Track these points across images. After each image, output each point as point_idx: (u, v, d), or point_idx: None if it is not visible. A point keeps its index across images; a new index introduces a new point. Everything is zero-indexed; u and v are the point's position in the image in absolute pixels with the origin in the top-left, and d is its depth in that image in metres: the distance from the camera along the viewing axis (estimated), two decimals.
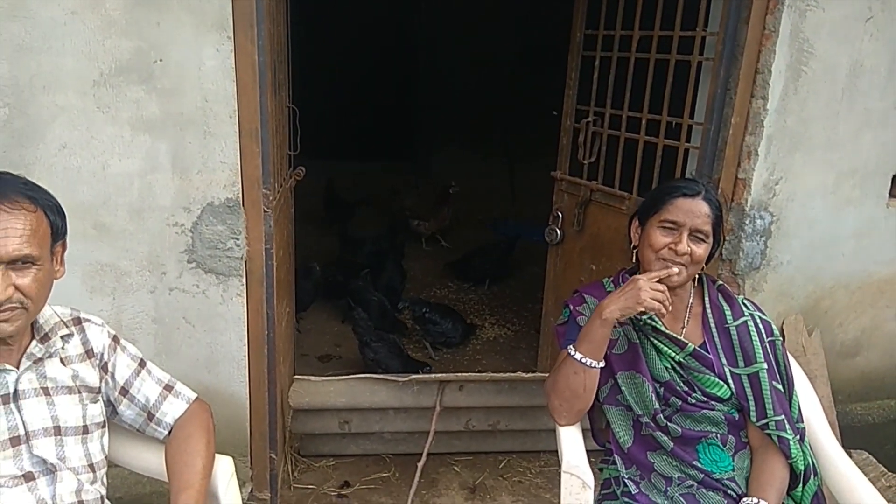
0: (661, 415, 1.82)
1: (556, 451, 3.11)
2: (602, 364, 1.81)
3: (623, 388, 1.86)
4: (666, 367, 1.84)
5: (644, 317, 1.85)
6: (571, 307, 2.00)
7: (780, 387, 1.83)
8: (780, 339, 1.92)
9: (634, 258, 1.95)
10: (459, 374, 2.75)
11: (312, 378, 2.77)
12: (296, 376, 2.77)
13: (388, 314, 4.14)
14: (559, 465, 3.14)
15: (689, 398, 1.82)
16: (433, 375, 2.74)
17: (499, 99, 6.60)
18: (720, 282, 2.02)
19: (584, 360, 1.80)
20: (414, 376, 2.72)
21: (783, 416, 1.78)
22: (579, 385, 1.83)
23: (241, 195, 2.25)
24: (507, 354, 4.09)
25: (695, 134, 2.75)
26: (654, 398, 1.82)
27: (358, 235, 5.24)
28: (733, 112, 2.57)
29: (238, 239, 2.27)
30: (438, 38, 6.59)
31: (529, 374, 2.76)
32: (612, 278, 2.07)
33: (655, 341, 1.86)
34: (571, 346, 1.82)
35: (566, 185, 3.35)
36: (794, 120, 2.56)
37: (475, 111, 6.59)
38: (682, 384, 1.83)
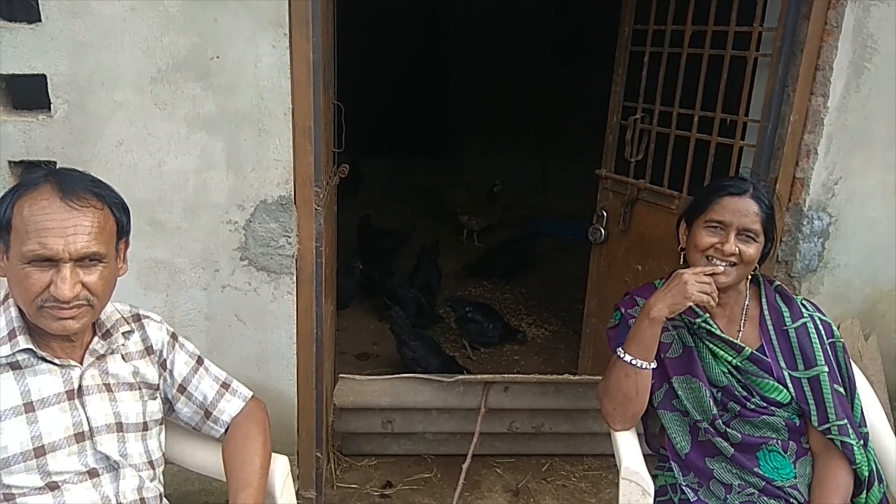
0: (720, 420, 1.77)
1: (600, 455, 3.12)
2: (654, 365, 1.77)
3: (679, 392, 1.81)
4: (723, 372, 1.79)
5: (698, 320, 1.81)
6: (623, 310, 1.96)
7: (841, 390, 1.78)
8: (841, 341, 1.87)
9: (682, 260, 1.90)
10: (506, 376, 2.72)
11: (357, 377, 2.76)
12: (340, 375, 2.76)
13: (426, 311, 4.12)
14: (603, 470, 3.14)
15: (748, 403, 1.78)
16: (478, 377, 2.71)
17: (532, 93, 6.54)
18: (777, 282, 1.97)
19: (634, 362, 1.77)
20: (459, 377, 2.69)
21: (846, 421, 1.73)
22: (631, 388, 1.79)
23: (293, 193, 2.24)
24: (546, 355, 4.05)
25: (750, 131, 2.69)
26: (711, 403, 1.78)
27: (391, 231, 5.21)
28: (792, 109, 2.51)
29: (290, 237, 2.26)
30: (471, 33, 6.54)
31: (576, 377, 2.72)
32: (663, 280, 2.02)
33: (711, 345, 1.81)
34: (621, 349, 1.79)
35: (611, 183, 3.30)
36: (856, 118, 2.49)
37: (508, 106, 6.54)
38: (740, 389, 1.79)
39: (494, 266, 5.10)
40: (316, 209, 2.32)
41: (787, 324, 1.84)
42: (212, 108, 2.11)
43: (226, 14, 2.03)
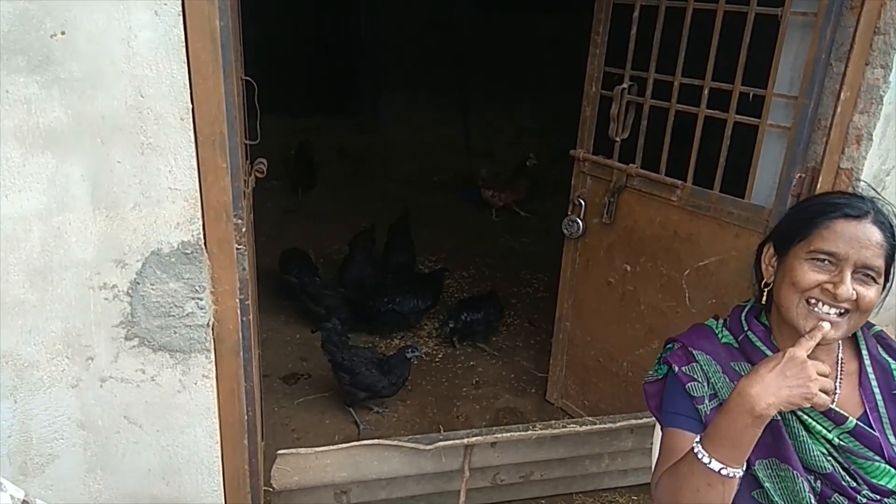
0: None
1: (592, 492, 2.65)
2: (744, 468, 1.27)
3: (766, 482, 1.33)
4: (822, 454, 1.32)
5: None
6: (676, 368, 1.42)
7: None
8: None
9: (764, 298, 1.42)
10: (496, 435, 2.12)
11: (302, 450, 2.08)
12: (280, 451, 2.07)
13: (364, 313, 3.47)
14: None
15: (859, 497, 1.31)
16: (462, 441, 2.10)
17: (453, 43, 5.80)
18: (877, 327, 1.48)
19: (725, 472, 1.25)
20: (439, 443, 2.08)
21: None
22: (716, 499, 1.28)
23: (202, 234, 1.49)
24: (505, 356, 3.52)
25: (775, 110, 2.16)
26: (811, 498, 1.30)
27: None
28: (843, 85, 1.97)
29: (201, 298, 1.52)
30: None
31: (582, 429, 2.17)
32: (722, 322, 1.50)
33: (803, 415, 1.32)
34: (702, 449, 1.27)
35: (590, 166, 2.72)
36: None
37: (427, 57, 5.77)
38: (847, 476, 1.32)
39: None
40: (238, 250, 1.58)
41: None
42: (59, 114, 1.31)
43: None
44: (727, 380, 1.37)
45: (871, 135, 2.01)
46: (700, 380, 1.38)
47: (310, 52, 5.71)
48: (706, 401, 1.36)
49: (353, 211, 4.94)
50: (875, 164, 2.06)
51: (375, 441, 2.12)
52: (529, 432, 2.12)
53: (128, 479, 1.59)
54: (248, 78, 1.98)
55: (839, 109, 2.01)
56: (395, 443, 2.11)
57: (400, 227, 4.10)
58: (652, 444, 2.35)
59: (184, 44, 1.34)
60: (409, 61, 5.76)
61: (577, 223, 2.78)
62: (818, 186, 2.08)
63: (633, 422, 2.20)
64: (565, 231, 2.82)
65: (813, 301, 1.30)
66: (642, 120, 2.51)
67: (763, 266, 1.43)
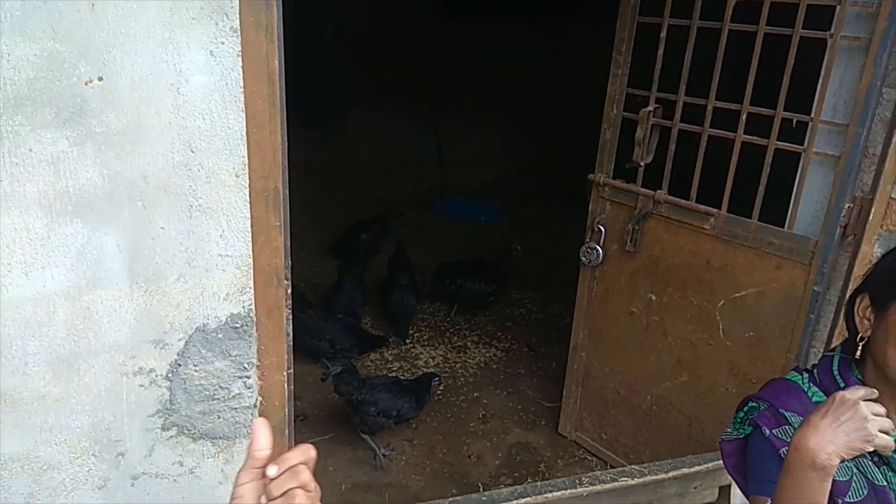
0: None
1: None
2: None
3: None
4: None
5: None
6: (768, 431, 1.30)
7: None
8: None
9: (858, 352, 1.29)
10: (538, 494, 1.96)
11: None
12: None
13: (367, 337, 3.35)
14: None
15: None
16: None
17: (421, 53, 5.61)
18: None
19: None
20: None
21: None
22: None
23: (252, 304, 1.28)
24: (508, 385, 3.36)
25: (820, 137, 2.07)
26: None
27: None
28: None
29: (248, 377, 1.31)
30: None
31: (630, 479, 2.03)
32: (808, 376, 1.38)
33: None
34: None
35: (611, 191, 2.58)
36: None
37: (396, 68, 5.56)
38: None
39: (352, 247, 4.28)
40: (286, 317, 1.38)
41: None
42: (92, 175, 1.08)
43: None
44: None
45: None
46: None
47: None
48: None
49: (326, 229, 4.70)
50: None
51: None
52: (580, 489, 1.97)
53: None
54: None
55: (894, 138, 1.93)
56: None
57: (400, 263, 3.88)
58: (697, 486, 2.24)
59: (241, 89, 1.12)
60: (377, 72, 5.54)
61: (597, 250, 2.64)
62: (869, 217, 2.00)
63: (685, 471, 2.08)
64: (583, 259, 2.69)
65: None
66: (670, 144, 2.40)
67: (857, 319, 1.31)
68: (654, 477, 2.02)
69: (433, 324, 3.86)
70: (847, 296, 1.37)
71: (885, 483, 1.23)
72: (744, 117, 2.20)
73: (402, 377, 3.10)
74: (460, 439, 2.98)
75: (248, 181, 1.18)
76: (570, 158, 3.39)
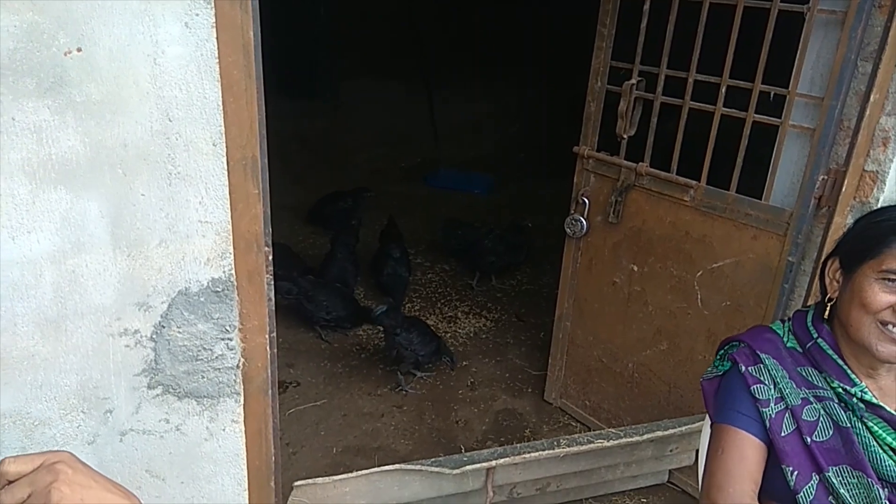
0: None
1: (602, 497, 2.61)
2: None
3: (840, 489, 1.28)
4: (893, 465, 1.28)
5: (854, 389, 1.31)
6: (743, 367, 1.40)
7: None
8: None
9: (827, 313, 1.38)
10: (524, 456, 2.04)
11: (319, 481, 1.95)
12: (296, 482, 1.94)
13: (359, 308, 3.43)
14: None
15: None
16: (485, 463, 2.00)
17: (416, 24, 5.60)
18: None
19: None
20: (466, 467, 1.98)
21: None
22: None
23: (233, 269, 1.33)
24: (496, 354, 3.43)
25: (796, 110, 2.11)
26: None
27: None
28: (872, 86, 1.93)
29: (231, 339, 1.37)
30: None
31: (609, 443, 2.10)
32: (787, 324, 1.46)
33: (872, 425, 1.30)
34: None
35: (594, 164, 2.63)
36: None
37: (390, 39, 5.56)
38: None
39: (327, 217, 4.39)
40: (267, 282, 1.43)
41: None
42: (74, 144, 1.12)
43: None
44: (794, 385, 1.34)
45: None
46: (767, 383, 1.35)
47: (267, 34, 5.43)
48: (771, 404, 1.33)
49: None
50: None
51: (397, 466, 2.00)
52: (557, 450, 2.05)
53: None
54: None
55: (867, 111, 1.96)
56: (417, 467, 2.00)
57: (392, 236, 3.94)
58: (673, 449, 2.32)
59: (216, 59, 1.17)
60: (371, 44, 5.53)
61: (581, 222, 2.69)
62: (842, 189, 2.05)
63: (659, 433, 2.15)
64: (568, 230, 2.74)
65: (883, 323, 1.25)
66: (652, 117, 2.43)
67: (827, 280, 1.39)
68: (630, 440, 2.10)
69: (424, 295, 3.93)
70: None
71: (849, 425, 1.30)
72: (723, 90, 2.23)
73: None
74: (448, 406, 3.06)
75: (225, 150, 1.22)
76: (562, 132, 3.43)
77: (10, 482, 0.68)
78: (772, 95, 2.14)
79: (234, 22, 1.19)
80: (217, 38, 1.16)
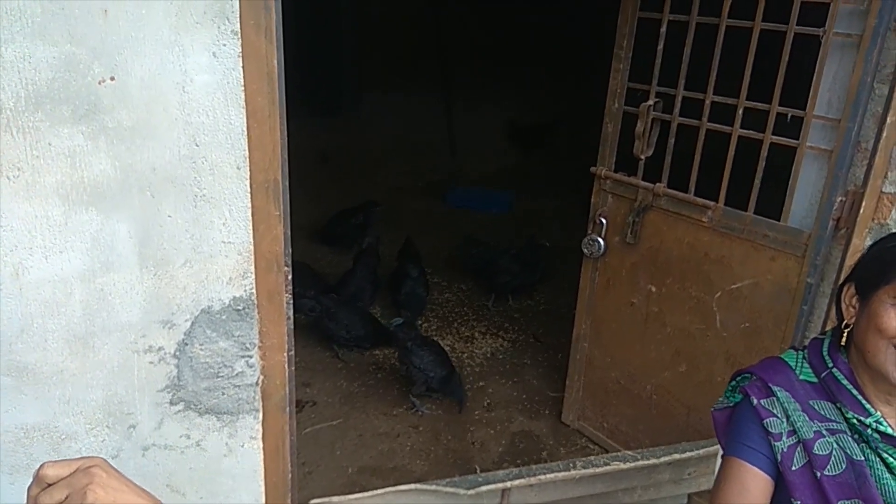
0: None
1: None
2: None
3: None
4: None
5: (869, 419, 1.28)
6: (755, 400, 1.38)
7: None
8: None
9: (844, 339, 1.36)
10: (532, 476, 2.04)
11: (336, 499, 1.96)
12: (313, 500, 1.95)
13: (381, 329, 3.41)
14: None
15: None
16: (501, 485, 2.01)
17: (436, 41, 5.67)
18: None
19: None
20: (481, 488, 1.98)
21: None
22: None
23: (254, 288, 1.37)
24: (513, 375, 3.43)
25: (814, 131, 2.12)
26: None
27: None
28: (888, 108, 1.94)
29: (251, 356, 1.40)
30: None
31: (625, 465, 2.10)
32: (801, 353, 1.45)
33: (887, 456, 1.28)
34: None
35: (612, 184, 2.65)
36: None
37: (409, 55, 5.63)
38: None
39: (339, 237, 4.49)
40: (287, 301, 1.46)
41: None
42: (106, 167, 1.17)
43: (124, 1, 1.09)
44: (807, 418, 1.33)
45: None
46: (779, 416, 1.34)
47: (289, 51, 5.55)
48: (783, 438, 1.32)
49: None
50: None
51: (412, 486, 2.01)
52: (572, 472, 2.04)
53: None
54: None
55: (884, 133, 1.97)
56: (433, 487, 2.00)
57: (409, 255, 3.97)
58: (691, 473, 2.31)
59: (242, 87, 1.21)
60: (390, 60, 5.61)
61: (599, 242, 2.71)
62: (860, 211, 2.05)
63: (677, 456, 2.14)
64: (585, 250, 2.75)
65: None
66: (669, 138, 2.45)
67: (843, 306, 1.38)
68: (647, 462, 2.09)
69: (441, 314, 3.94)
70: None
71: (862, 458, 1.29)
72: (740, 112, 2.25)
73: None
74: (465, 427, 3.06)
75: (248, 173, 1.27)
76: (583, 147, 3.46)
77: (49, 485, 0.72)
78: (789, 117, 2.15)
79: (260, 51, 1.24)
80: (243, 66, 1.21)
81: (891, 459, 1.29)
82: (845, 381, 1.35)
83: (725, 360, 2.41)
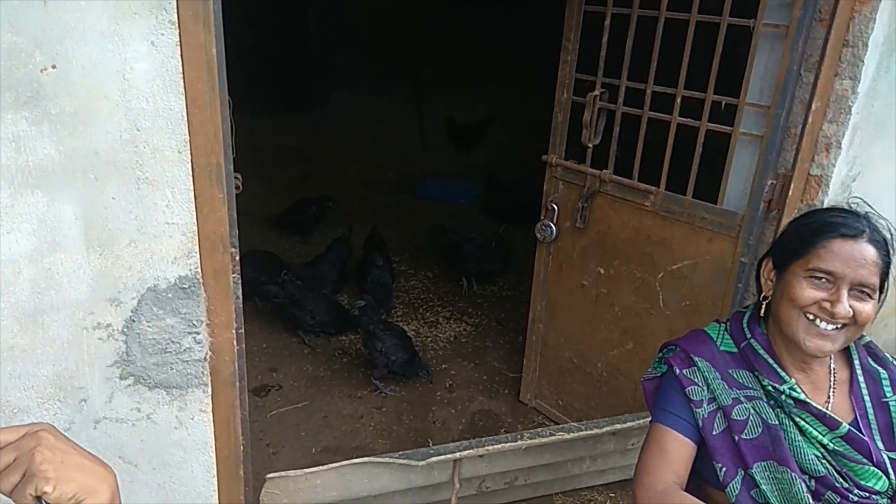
0: None
1: (571, 492, 2.70)
2: None
3: (762, 484, 1.39)
4: (817, 456, 1.39)
5: (784, 386, 1.40)
6: (678, 370, 1.49)
7: None
8: None
9: (763, 310, 1.48)
10: (481, 447, 2.14)
11: (291, 473, 2.05)
12: (269, 475, 2.03)
13: (345, 315, 3.49)
14: None
15: (851, 495, 1.38)
16: (451, 455, 2.10)
17: (404, 37, 5.73)
18: (867, 338, 1.56)
19: None
20: (431, 458, 2.08)
21: None
22: None
23: (199, 267, 1.44)
24: (475, 357, 3.53)
25: (747, 118, 2.22)
26: (808, 498, 1.36)
27: None
28: (813, 95, 2.05)
29: (198, 333, 1.48)
30: None
31: (569, 436, 2.20)
32: (723, 326, 1.56)
33: (800, 420, 1.40)
34: None
35: (562, 171, 2.74)
36: (882, 104, 2.10)
37: (378, 51, 5.68)
38: (840, 478, 1.38)
39: (295, 224, 4.60)
40: (234, 279, 1.54)
41: (888, 394, 1.46)
42: (50, 152, 1.24)
43: None
44: (726, 386, 1.43)
45: (840, 143, 2.09)
46: (700, 384, 1.44)
47: (258, 50, 5.56)
48: (704, 405, 1.43)
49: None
50: (843, 171, 2.14)
51: (366, 459, 2.10)
52: (519, 443, 2.15)
53: None
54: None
55: (810, 119, 2.08)
56: (386, 460, 2.10)
57: (375, 245, 4.06)
58: (635, 443, 2.42)
59: (181, 74, 1.28)
60: (360, 56, 5.66)
61: (551, 227, 2.80)
62: (789, 193, 2.16)
63: (618, 426, 2.25)
64: (538, 235, 2.85)
65: (811, 317, 1.35)
66: (614, 126, 2.55)
67: (762, 280, 1.49)
68: (590, 432, 2.20)
69: (408, 301, 4.03)
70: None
71: (777, 422, 1.39)
72: (678, 101, 2.35)
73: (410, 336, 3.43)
74: (427, 407, 3.15)
75: (189, 157, 1.33)
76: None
77: None
78: (723, 105, 2.25)
79: (198, 41, 1.30)
80: (181, 55, 1.28)
81: (803, 423, 1.39)
82: (762, 351, 1.45)
83: (668, 337, 2.50)
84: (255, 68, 5.49)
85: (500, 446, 2.13)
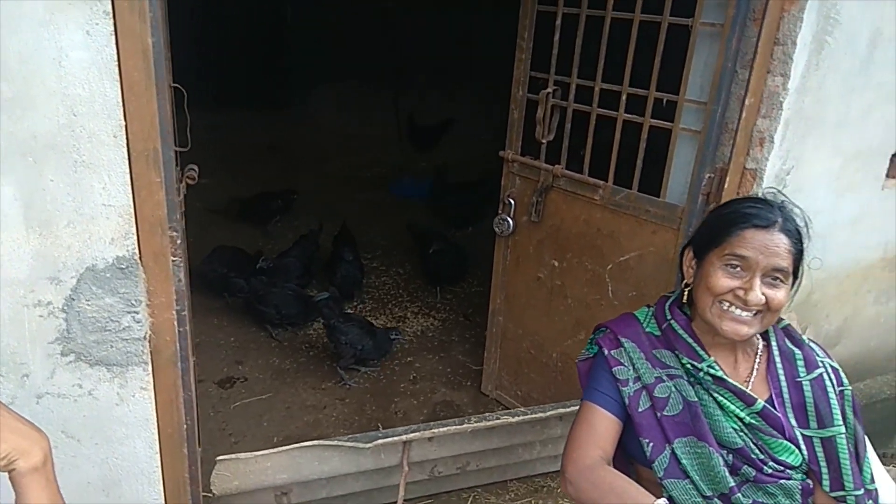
0: (739, 494, 1.44)
1: (525, 478, 2.77)
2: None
3: (683, 459, 1.47)
4: (735, 430, 1.47)
5: (702, 364, 1.48)
6: (606, 350, 1.57)
7: (852, 448, 1.51)
8: (850, 388, 1.60)
9: (686, 297, 1.57)
10: (434, 430, 2.20)
11: (242, 455, 2.11)
12: (219, 457, 2.09)
13: (310, 305, 3.55)
14: (531, 495, 2.80)
15: (765, 467, 1.47)
16: (400, 437, 2.17)
17: (385, 34, 5.80)
18: (785, 321, 1.64)
19: None
20: (378, 440, 2.14)
21: (862, 491, 1.47)
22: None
23: (137, 249, 1.51)
24: (440, 350, 3.60)
25: (687, 114, 2.30)
26: (725, 472, 1.44)
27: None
28: (747, 91, 2.13)
29: (137, 312, 1.54)
30: None
31: (515, 419, 2.27)
32: (651, 310, 1.64)
33: (719, 396, 1.48)
34: None
35: (518, 167, 2.82)
36: (812, 100, 2.18)
37: (359, 48, 5.75)
38: (756, 450, 1.47)
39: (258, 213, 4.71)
40: (174, 261, 1.60)
41: (801, 375, 1.55)
42: None
43: None
44: (649, 366, 1.51)
45: (773, 138, 2.17)
46: (626, 364, 1.52)
47: (237, 45, 5.62)
48: (630, 383, 1.51)
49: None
50: (777, 164, 2.22)
51: (315, 442, 2.16)
52: (465, 426, 2.21)
53: (67, 493, 1.57)
54: (177, 85, 1.99)
55: (744, 114, 2.16)
56: (334, 442, 2.16)
57: (345, 240, 4.12)
58: None
59: (116, 62, 1.35)
60: (339, 52, 5.73)
61: (508, 221, 2.88)
62: (726, 186, 2.24)
63: (562, 410, 2.32)
64: (496, 229, 2.92)
65: (726, 305, 1.43)
66: (566, 123, 2.62)
67: (684, 268, 1.57)
68: (534, 416, 2.27)
69: (377, 296, 4.09)
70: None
71: (696, 399, 1.47)
72: (624, 97, 2.43)
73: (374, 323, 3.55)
74: (390, 398, 3.22)
75: (126, 141, 1.40)
76: None
77: None
78: (664, 101, 2.34)
79: (133, 30, 1.37)
80: (117, 44, 1.35)
81: (722, 399, 1.48)
82: (681, 332, 1.53)
83: None
84: (234, 65, 5.56)
85: (446, 429, 2.20)
